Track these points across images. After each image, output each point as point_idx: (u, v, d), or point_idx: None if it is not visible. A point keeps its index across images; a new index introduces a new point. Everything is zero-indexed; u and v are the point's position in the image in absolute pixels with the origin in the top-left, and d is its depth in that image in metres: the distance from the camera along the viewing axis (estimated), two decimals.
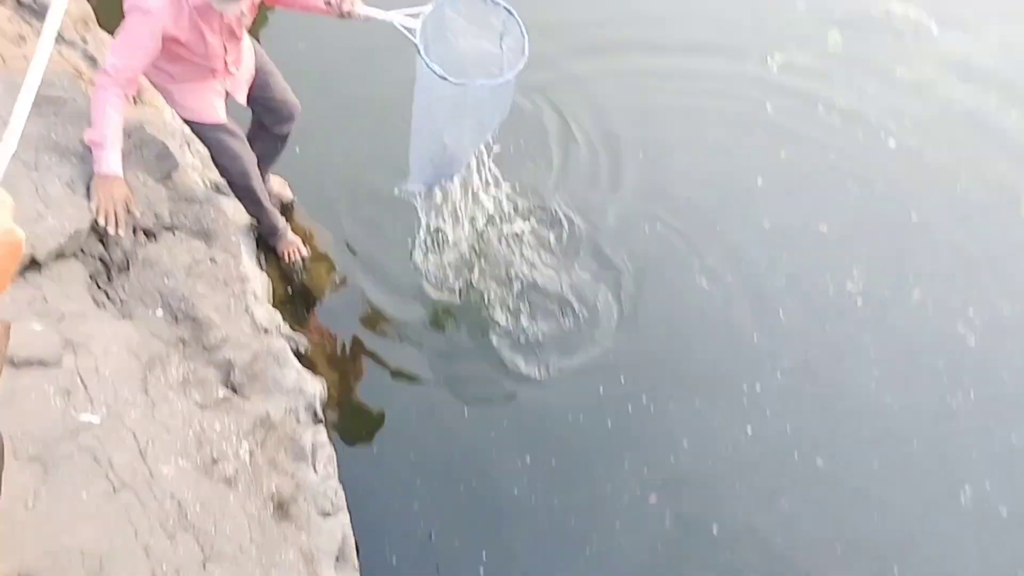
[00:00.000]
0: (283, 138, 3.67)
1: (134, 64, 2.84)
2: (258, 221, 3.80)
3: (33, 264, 2.55)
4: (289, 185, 4.13)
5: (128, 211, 2.87)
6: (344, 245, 4.10)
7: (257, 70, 3.45)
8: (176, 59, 3.07)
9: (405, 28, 3.12)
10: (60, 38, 3.80)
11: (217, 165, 3.53)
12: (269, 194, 3.85)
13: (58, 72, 3.34)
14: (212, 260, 3.25)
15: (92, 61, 3.92)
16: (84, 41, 3.98)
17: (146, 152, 3.36)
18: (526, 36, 3.13)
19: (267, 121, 3.59)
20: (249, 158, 3.47)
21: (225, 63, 3.20)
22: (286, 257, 3.90)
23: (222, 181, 3.66)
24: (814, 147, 4.67)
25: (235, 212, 3.92)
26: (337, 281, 4.01)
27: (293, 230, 3.98)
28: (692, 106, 4.82)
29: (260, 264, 3.87)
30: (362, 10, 3.16)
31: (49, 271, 2.60)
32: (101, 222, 2.77)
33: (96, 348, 2.32)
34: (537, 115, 4.67)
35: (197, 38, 2.97)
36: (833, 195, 4.44)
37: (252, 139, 3.58)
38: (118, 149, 2.83)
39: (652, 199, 4.33)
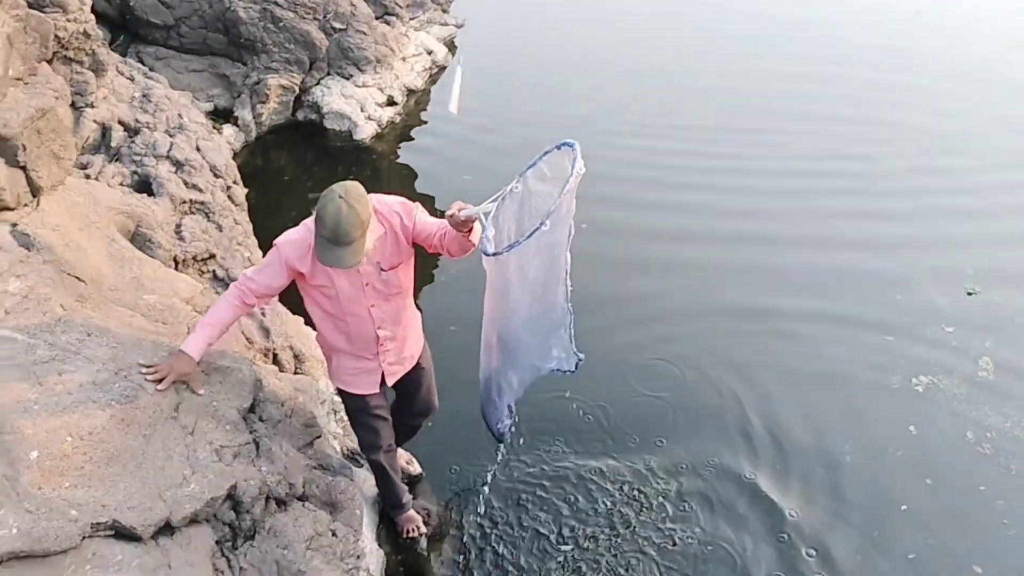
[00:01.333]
0: (414, 428, 3.86)
1: (259, 279, 3.20)
2: (383, 494, 3.89)
3: (167, 528, 2.70)
4: (417, 461, 4.25)
5: (186, 386, 3.14)
6: (461, 527, 4.10)
7: (416, 366, 3.63)
8: (336, 330, 3.37)
9: (485, 214, 2.96)
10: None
11: (354, 431, 3.72)
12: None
13: (230, 341, 3.73)
14: (333, 533, 3.32)
15: (266, 332, 4.37)
16: (263, 313, 4.46)
17: (294, 420, 3.60)
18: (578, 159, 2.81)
19: (402, 408, 3.79)
20: (386, 435, 3.63)
21: (377, 336, 3.38)
22: (404, 533, 3.93)
23: (359, 448, 3.85)
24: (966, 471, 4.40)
25: (365, 481, 4.06)
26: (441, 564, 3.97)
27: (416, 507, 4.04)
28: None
29: (378, 539, 3.91)
30: (463, 213, 3.02)
31: (180, 535, 2.73)
32: (149, 376, 3.04)
33: None
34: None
35: (327, 280, 3.20)
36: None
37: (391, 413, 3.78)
38: (207, 337, 3.16)
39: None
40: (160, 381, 3.05)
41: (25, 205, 3.53)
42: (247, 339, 4.21)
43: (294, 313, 4.75)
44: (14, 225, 3.42)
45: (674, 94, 8.87)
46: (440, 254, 3.22)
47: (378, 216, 3.09)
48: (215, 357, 3.41)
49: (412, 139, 8.11)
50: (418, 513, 4.01)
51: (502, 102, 8.72)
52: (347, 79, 7.84)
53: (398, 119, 8.18)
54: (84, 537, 2.46)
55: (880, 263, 6.11)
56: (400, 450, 4.16)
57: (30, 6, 3.76)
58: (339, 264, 2.92)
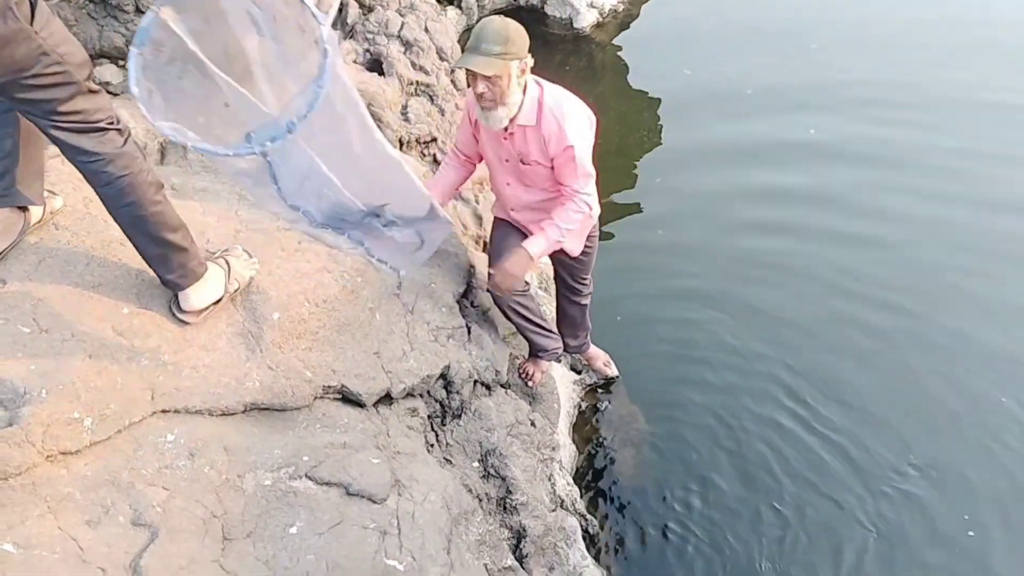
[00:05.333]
0: (572, 306, 3.75)
1: (457, 133, 3.32)
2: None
3: (386, 398, 2.84)
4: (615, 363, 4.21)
5: None
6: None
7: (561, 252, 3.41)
8: None
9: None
10: (458, 196, 4.37)
11: None
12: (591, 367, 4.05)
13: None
14: (532, 423, 3.39)
15: (479, 220, 4.43)
16: (476, 200, 4.52)
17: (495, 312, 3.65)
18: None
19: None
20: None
21: (510, 216, 3.35)
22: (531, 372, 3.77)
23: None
24: None
25: (563, 378, 4.10)
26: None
27: (610, 413, 4.04)
28: None
29: (572, 435, 3.97)
30: None
31: (397, 406, 2.87)
32: None
33: (417, 493, 2.49)
34: None
35: (480, 138, 3.17)
36: None
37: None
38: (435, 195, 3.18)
39: None
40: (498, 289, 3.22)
41: None
42: (462, 225, 4.29)
43: None
44: None
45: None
46: None
47: (541, 111, 2.92)
48: (435, 235, 3.48)
49: (633, 30, 7.77)
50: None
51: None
52: None
53: (620, 8, 7.84)
54: (316, 398, 2.63)
55: None
56: (598, 349, 4.13)
57: None
58: (459, 62, 2.79)
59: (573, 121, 2.92)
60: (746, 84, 6.61)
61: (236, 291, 2.66)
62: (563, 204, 3.03)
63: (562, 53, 7.34)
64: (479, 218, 4.46)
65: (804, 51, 7.16)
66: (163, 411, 2.31)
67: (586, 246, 3.39)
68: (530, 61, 2.83)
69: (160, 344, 2.43)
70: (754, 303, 4.59)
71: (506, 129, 2.95)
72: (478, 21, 7.36)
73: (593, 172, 3.03)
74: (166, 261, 2.39)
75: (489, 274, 3.23)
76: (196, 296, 2.50)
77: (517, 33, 2.76)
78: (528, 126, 2.93)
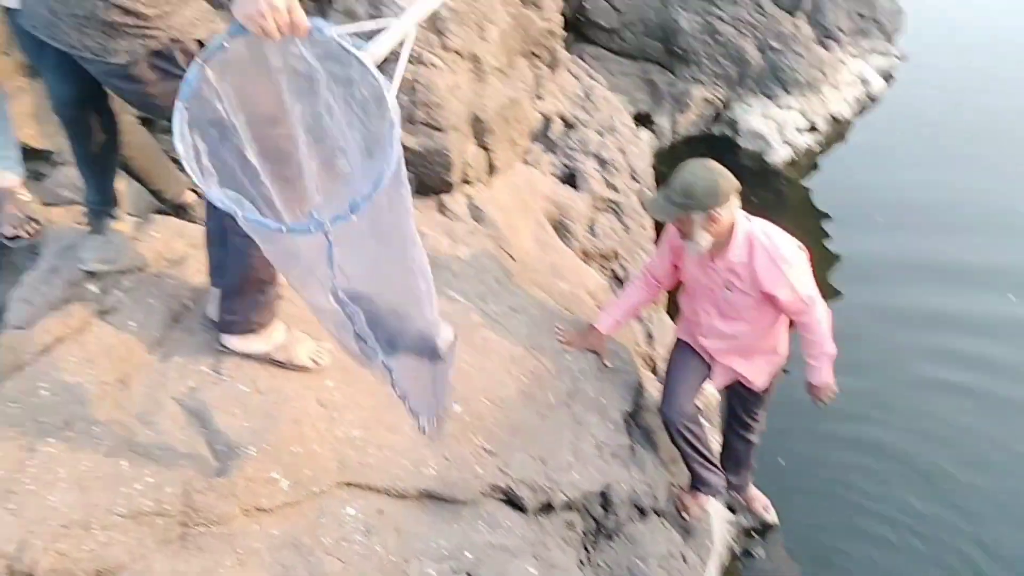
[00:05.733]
0: (738, 440, 3.70)
1: (654, 258, 3.40)
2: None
3: (547, 507, 2.87)
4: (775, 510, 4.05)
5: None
6: None
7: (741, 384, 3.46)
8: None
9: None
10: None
11: None
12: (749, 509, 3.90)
13: (622, 343, 3.85)
14: (683, 558, 3.31)
15: (649, 338, 4.46)
16: (650, 320, 4.56)
17: (665, 435, 3.63)
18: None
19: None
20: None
21: (699, 342, 3.36)
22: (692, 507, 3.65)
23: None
24: None
25: (716, 514, 3.98)
26: None
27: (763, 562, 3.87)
28: None
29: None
30: None
31: (556, 517, 2.90)
32: (560, 336, 3.40)
33: None
34: None
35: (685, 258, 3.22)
36: None
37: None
38: (615, 316, 3.45)
39: None
40: (569, 344, 3.38)
41: (480, 182, 3.96)
42: (636, 344, 4.33)
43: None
44: (470, 198, 3.85)
45: None
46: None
47: (753, 248, 2.99)
48: (610, 356, 3.55)
49: (825, 170, 7.72)
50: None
51: (938, 142, 7.93)
52: (771, 99, 7.68)
53: (817, 147, 7.84)
54: (483, 494, 2.70)
55: None
56: (758, 491, 4.00)
57: (525, 4, 4.17)
58: (647, 204, 3.02)
59: (789, 259, 3.00)
60: (942, 249, 6.34)
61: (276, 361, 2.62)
62: (804, 335, 3.15)
63: (750, 184, 7.35)
64: (650, 337, 4.49)
65: (1012, 228, 6.81)
66: (347, 483, 2.45)
67: (769, 381, 3.38)
68: (726, 209, 2.91)
69: (353, 420, 2.59)
70: (944, 465, 4.31)
71: (713, 258, 3.03)
72: (670, 146, 7.64)
73: (815, 293, 3.08)
74: (236, 301, 2.45)
75: (810, 385, 3.29)
76: (241, 342, 2.53)
77: (704, 188, 2.87)
78: (738, 262, 3.00)
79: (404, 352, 2.01)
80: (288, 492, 2.31)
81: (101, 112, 2.41)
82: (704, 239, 2.95)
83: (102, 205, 2.68)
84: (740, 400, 3.52)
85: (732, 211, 2.96)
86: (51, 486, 2.04)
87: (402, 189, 1.73)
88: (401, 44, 1.82)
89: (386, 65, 1.76)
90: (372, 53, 1.71)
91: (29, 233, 2.78)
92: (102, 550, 1.99)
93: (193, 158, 1.67)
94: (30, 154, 3.11)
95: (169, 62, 2.05)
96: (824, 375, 3.25)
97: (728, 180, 2.91)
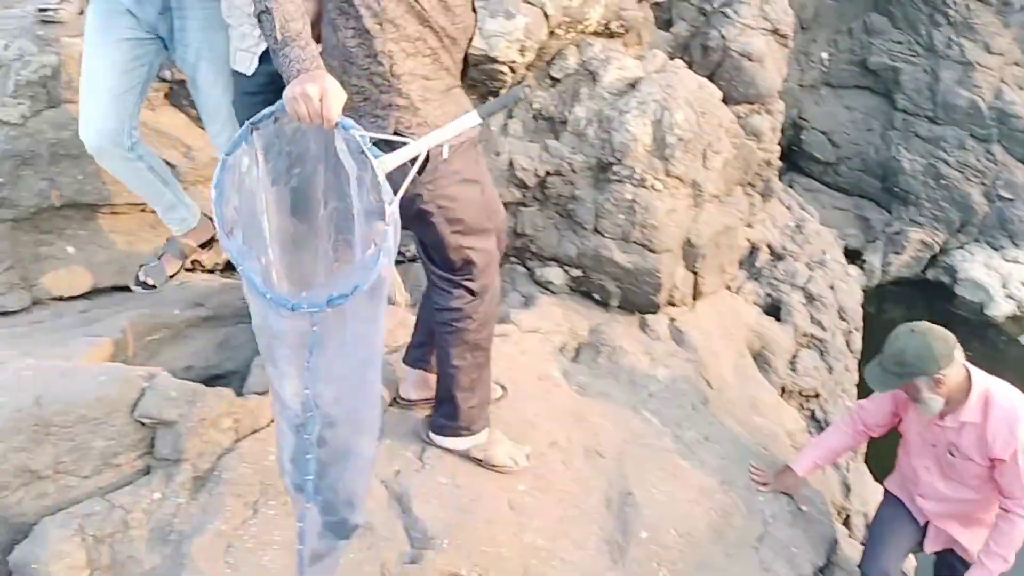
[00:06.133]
0: None
1: (868, 404, 3.18)
2: None
3: None
4: None
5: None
6: None
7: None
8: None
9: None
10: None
11: None
12: None
13: (817, 490, 3.64)
14: None
15: (846, 490, 4.19)
16: (847, 468, 4.29)
17: None
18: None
19: None
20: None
21: (917, 505, 3.10)
22: None
23: None
24: None
25: None
26: None
27: None
28: None
29: None
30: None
31: None
32: (755, 476, 3.26)
33: None
34: None
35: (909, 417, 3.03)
36: None
37: None
38: (814, 458, 3.27)
39: None
40: (764, 485, 3.22)
41: (684, 305, 3.96)
42: (828, 491, 4.09)
43: (877, 480, 4.47)
44: (672, 320, 3.86)
45: None
46: None
47: (989, 409, 2.76)
48: (803, 500, 3.37)
49: None
50: None
51: None
52: (996, 250, 7.22)
53: None
54: None
55: None
56: None
57: (747, 133, 4.22)
58: (865, 374, 2.86)
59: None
60: None
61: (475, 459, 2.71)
62: (1000, 523, 2.82)
63: (964, 336, 6.86)
64: (847, 488, 4.22)
65: None
66: None
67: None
68: (951, 369, 2.75)
69: (541, 528, 2.61)
70: None
71: (942, 416, 2.85)
72: (877, 286, 7.32)
73: None
74: (450, 407, 2.58)
75: None
76: (448, 441, 2.64)
77: (917, 354, 2.74)
78: (970, 422, 2.80)
79: (324, 506, 1.88)
80: None
81: None
82: (935, 402, 2.78)
83: None
84: (950, 571, 3.20)
85: (960, 369, 2.78)
86: (266, 547, 2.19)
87: (378, 304, 1.71)
88: (413, 161, 1.88)
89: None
90: (383, 162, 1.77)
91: None
92: None
93: (221, 205, 1.74)
94: None
95: None
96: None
97: (943, 341, 2.75)
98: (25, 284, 3.10)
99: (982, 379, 2.81)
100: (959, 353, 2.78)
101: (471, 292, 2.40)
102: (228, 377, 2.92)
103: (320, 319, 1.64)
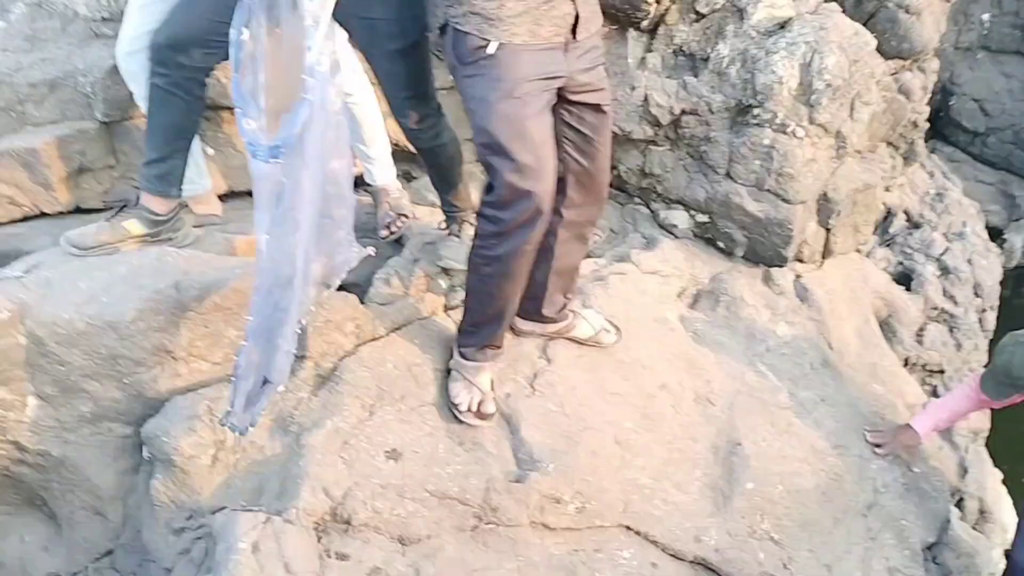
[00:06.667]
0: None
1: None
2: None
3: None
4: None
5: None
6: None
7: None
8: None
9: None
10: (948, 436, 3.99)
11: None
12: None
13: (935, 467, 3.48)
14: None
15: (963, 471, 3.99)
16: (966, 449, 4.07)
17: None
18: None
19: None
20: None
21: None
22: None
23: None
24: None
25: None
26: None
27: None
28: None
29: None
30: None
31: None
32: (871, 437, 3.18)
33: None
34: None
35: None
36: None
37: None
38: (935, 419, 3.17)
39: None
40: (880, 446, 3.13)
41: (812, 262, 3.80)
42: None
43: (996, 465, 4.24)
44: (798, 276, 3.71)
45: None
46: None
47: None
48: (919, 480, 3.22)
49: None
50: None
51: None
52: None
53: None
54: None
55: None
56: None
57: (898, 90, 3.96)
58: (982, 384, 2.86)
59: None
60: None
61: None
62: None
63: None
64: (964, 469, 4.02)
65: None
66: (628, 527, 2.44)
67: None
68: None
69: (644, 466, 2.59)
70: None
71: None
72: (1016, 267, 6.84)
73: None
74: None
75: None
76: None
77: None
78: None
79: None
80: (574, 517, 2.35)
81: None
82: None
83: (456, 211, 2.94)
84: None
85: None
86: (379, 447, 2.25)
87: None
88: None
89: None
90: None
91: (398, 227, 3.10)
92: (408, 518, 2.16)
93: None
94: (403, 156, 3.47)
95: None
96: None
97: None
98: None
99: None
100: None
101: (491, 222, 2.18)
102: (349, 289, 2.99)
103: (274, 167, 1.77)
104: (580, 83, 2.18)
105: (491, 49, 1.99)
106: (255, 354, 1.96)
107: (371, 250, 2.37)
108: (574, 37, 2.09)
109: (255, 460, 2.21)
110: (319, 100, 1.76)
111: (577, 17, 2.06)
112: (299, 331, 2.09)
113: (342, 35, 2.17)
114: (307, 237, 1.95)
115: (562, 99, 2.19)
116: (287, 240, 1.88)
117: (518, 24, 1.98)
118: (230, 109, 3.35)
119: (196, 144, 2.81)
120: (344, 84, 2.09)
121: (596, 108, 2.25)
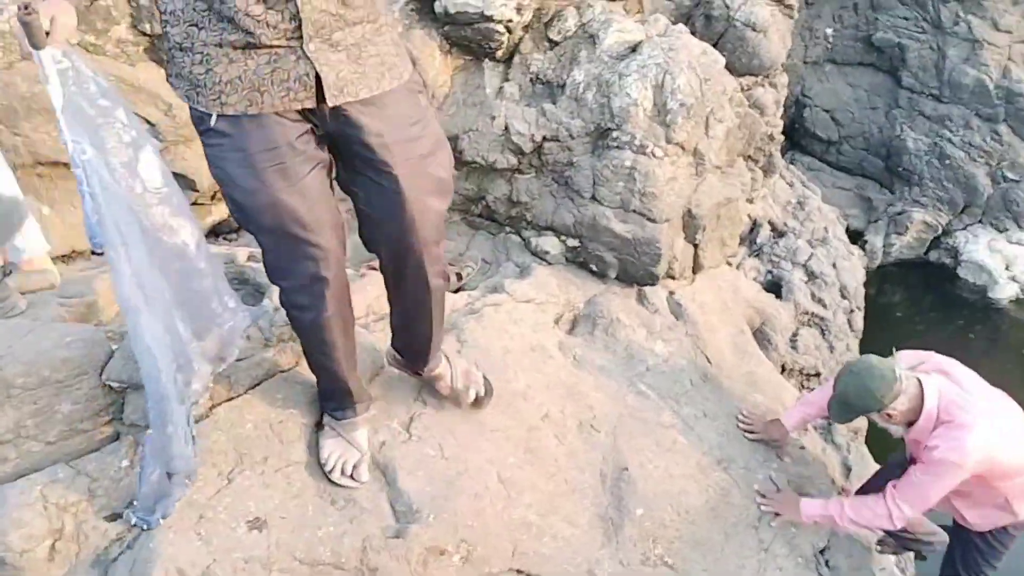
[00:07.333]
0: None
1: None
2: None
3: None
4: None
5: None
6: None
7: None
8: None
9: None
10: (830, 440, 4.09)
11: None
12: None
13: (822, 477, 3.54)
14: None
15: (847, 471, 4.09)
16: (847, 449, 4.18)
17: None
18: None
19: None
20: None
21: None
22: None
23: None
24: None
25: None
26: None
27: None
28: None
29: None
30: None
31: None
32: (742, 423, 3.24)
33: None
34: None
35: None
36: None
37: None
38: (803, 414, 3.20)
39: None
40: (750, 432, 3.20)
41: (683, 278, 3.84)
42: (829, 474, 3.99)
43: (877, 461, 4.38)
44: (671, 293, 3.73)
45: None
46: None
47: (931, 419, 2.67)
48: (804, 483, 3.26)
49: None
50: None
51: None
52: (1001, 232, 7.10)
53: None
54: None
55: None
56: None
57: (750, 106, 4.08)
58: (829, 411, 2.88)
59: (956, 432, 2.62)
60: None
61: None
62: (877, 497, 2.82)
63: (968, 320, 6.80)
64: (847, 468, 4.12)
65: None
66: (517, 571, 2.34)
67: (1007, 532, 2.99)
68: (898, 402, 2.67)
69: (531, 503, 2.50)
70: None
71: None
72: (878, 267, 7.20)
73: (929, 504, 2.73)
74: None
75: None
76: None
77: (858, 395, 2.72)
78: (918, 440, 2.77)
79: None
80: (460, 568, 2.23)
81: None
82: (893, 429, 2.81)
83: None
84: (962, 540, 3.15)
85: (908, 398, 2.69)
86: (240, 517, 2.07)
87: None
88: None
89: None
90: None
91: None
92: None
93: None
94: None
95: None
96: (808, 509, 2.92)
97: (882, 379, 2.67)
98: None
99: (933, 398, 2.71)
100: (911, 383, 2.70)
101: (283, 293, 2.03)
102: None
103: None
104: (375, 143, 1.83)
105: (212, 122, 1.73)
106: (158, 442, 1.91)
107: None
108: (323, 102, 1.73)
109: (100, 547, 2.00)
110: (96, 189, 1.65)
111: (319, 79, 1.71)
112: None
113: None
114: (169, 318, 1.86)
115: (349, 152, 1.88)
116: (145, 325, 1.80)
117: (228, 93, 1.69)
118: (66, 165, 3.13)
119: (24, 205, 2.58)
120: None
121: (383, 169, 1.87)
